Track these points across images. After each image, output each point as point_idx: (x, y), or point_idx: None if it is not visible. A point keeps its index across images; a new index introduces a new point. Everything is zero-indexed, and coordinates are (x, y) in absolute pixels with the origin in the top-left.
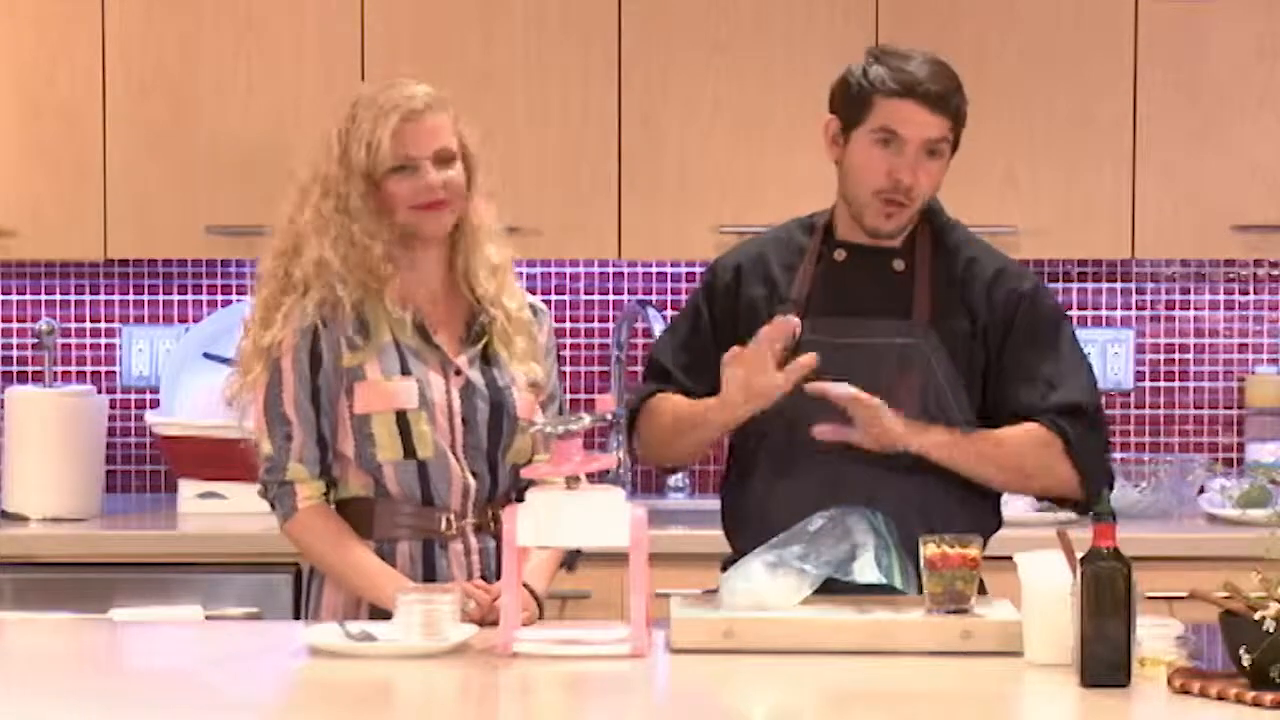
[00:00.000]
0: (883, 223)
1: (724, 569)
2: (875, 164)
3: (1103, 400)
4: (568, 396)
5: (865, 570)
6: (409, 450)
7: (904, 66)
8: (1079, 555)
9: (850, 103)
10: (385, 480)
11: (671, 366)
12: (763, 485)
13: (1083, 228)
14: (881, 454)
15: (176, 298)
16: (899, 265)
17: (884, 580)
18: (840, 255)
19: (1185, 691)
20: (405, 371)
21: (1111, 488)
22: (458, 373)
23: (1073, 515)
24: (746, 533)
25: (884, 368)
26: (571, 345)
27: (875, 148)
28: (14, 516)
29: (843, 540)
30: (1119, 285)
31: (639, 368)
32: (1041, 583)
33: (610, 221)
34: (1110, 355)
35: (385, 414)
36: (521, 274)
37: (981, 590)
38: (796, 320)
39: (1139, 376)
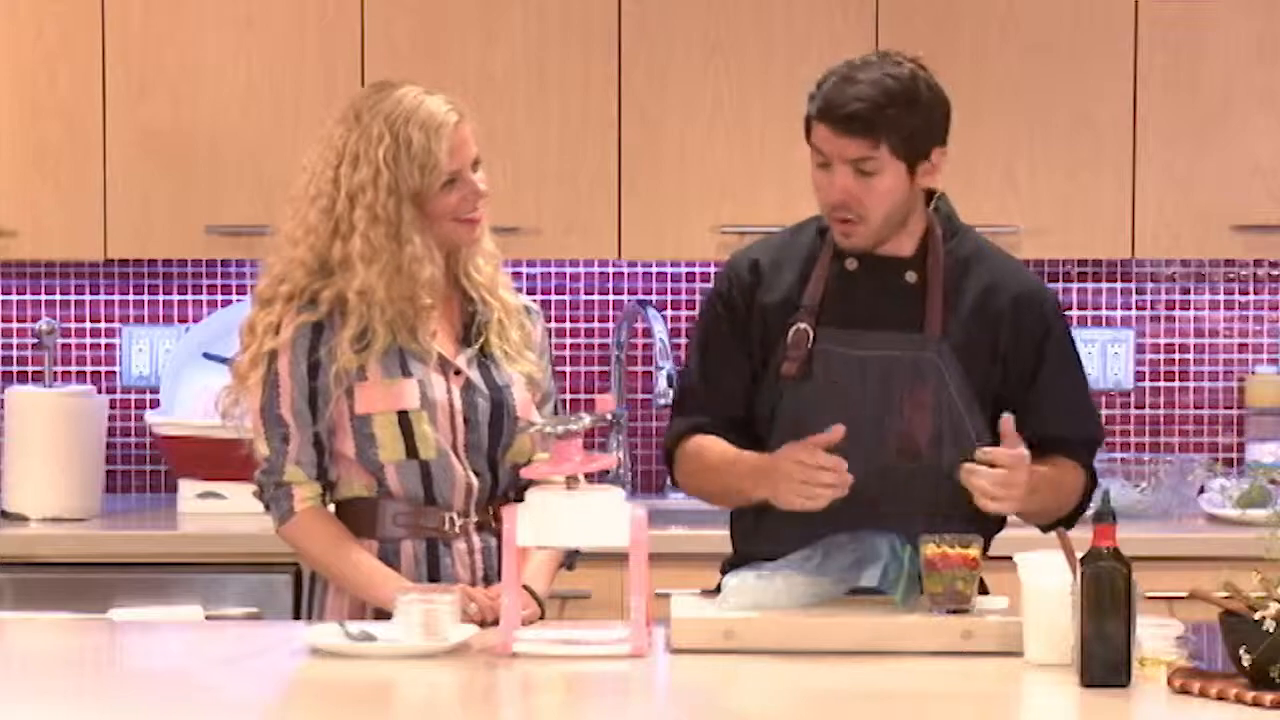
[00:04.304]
0: (842, 240)
1: (724, 571)
2: (818, 185)
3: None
4: (567, 396)
5: (870, 577)
6: (411, 451)
7: (829, 89)
8: (1079, 555)
9: (804, 124)
10: (387, 480)
11: (700, 395)
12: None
13: (1083, 228)
14: (888, 455)
15: (176, 298)
16: (911, 277)
17: (883, 590)
18: (852, 265)
19: (1185, 691)
20: (406, 373)
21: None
22: (457, 373)
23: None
24: (752, 533)
25: (896, 381)
26: (571, 345)
27: (816, 170)
28: (14, 516)
29: (857, 552)
30: (1119, 285)
31: (639, 368)
32: (1041, 583)
33: (610, 221)
34: (1110, 355)
35: (387, 414)
36: (521, 274)
37: (983, 590)
38: (841, 429)
39: (1139, 376)
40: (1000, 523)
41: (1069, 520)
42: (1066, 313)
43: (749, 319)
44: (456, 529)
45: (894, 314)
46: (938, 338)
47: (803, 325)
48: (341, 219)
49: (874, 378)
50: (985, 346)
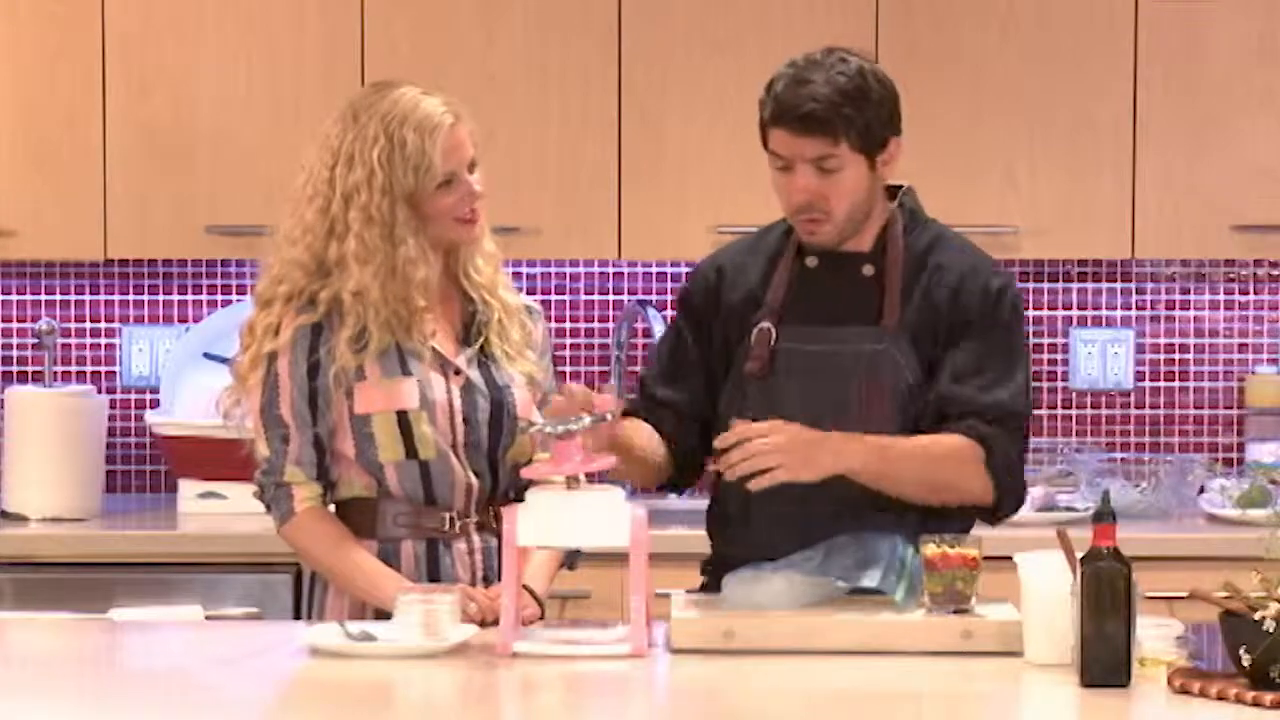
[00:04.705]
0: (808, 236)
1: (703, 571)
2: (779, 189)
3: (1031, 416)
4: None
5: (871, 578)
6: (410, 451)
7: (781, 92)
8: (1079, 555)
9: (759, 131)
10: (387, 480)
11: (651, 378)
12: (743, 483)
13: (1083, 228)
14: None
15: (176, 298)
16: (868, 270)
17: (884, 590)
18: (812, 262)
19: (1185, 691)
20: (406, 372)
21: (1020, 506)
22: (457, 372)
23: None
24: (728, 531)
25: (855, 375)
26: (571, 345)
27: (776, 174)
28: (14, 516)
29: (858, 553)
30: (1119, 285)
31: (639, 368)
32: (1041, 583)
33: (610, 221)
34: (1110, 355)
35: (386, 414)
36: (521, 274)
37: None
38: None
39: (1139, 376)
40: (966, 520)
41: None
42: (1023, 310)
43: (712, 321)
44: (456, 529)
45: (853, 309)
46: (893, 329)
47: (766, 324)
48: (337, 219)
49: (835, 374)
50: (932, 331)
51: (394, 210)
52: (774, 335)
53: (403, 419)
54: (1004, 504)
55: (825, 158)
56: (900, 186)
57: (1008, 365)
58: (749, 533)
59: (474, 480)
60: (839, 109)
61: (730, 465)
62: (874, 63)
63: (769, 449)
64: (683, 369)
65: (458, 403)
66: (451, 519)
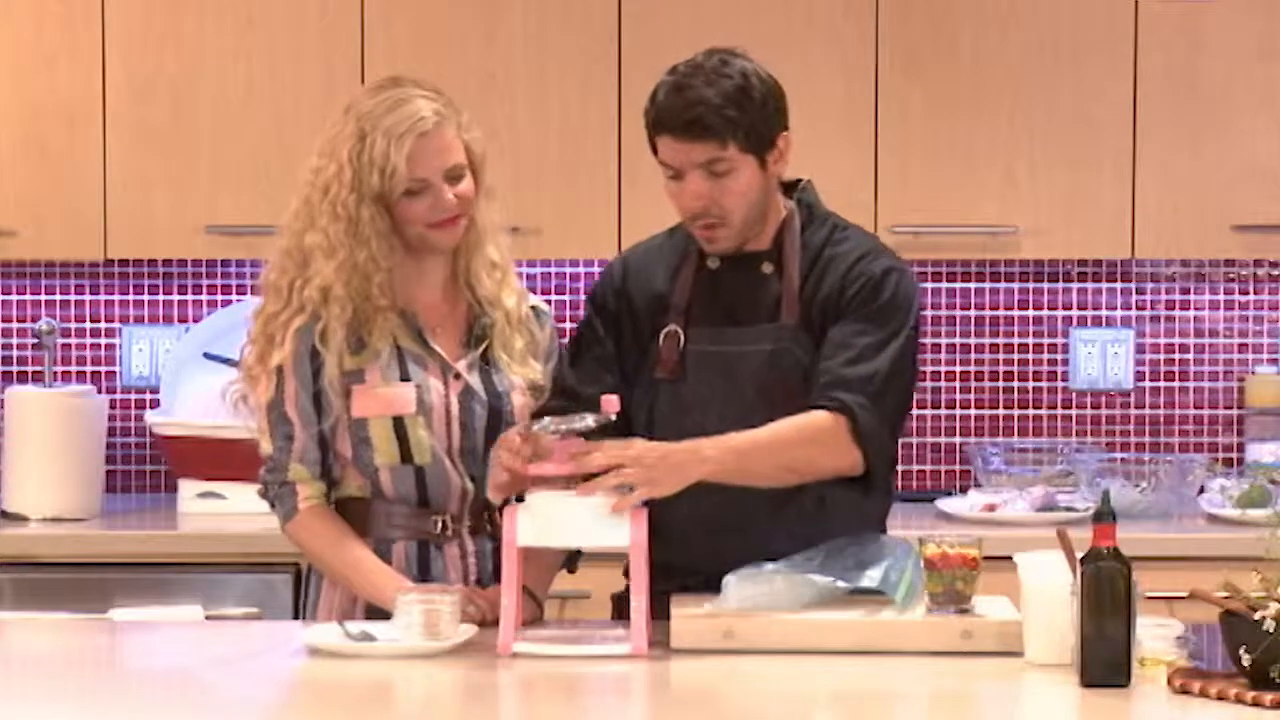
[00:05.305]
0: (708, 246)
1: (626, 573)
2: (673, 197)
3: (903, 398)
4: None
5: (871, 579)
6: (406, 455)
7: (664, 101)
8: (1079, 555)
9: (648, 141)
10: (382, 483)
11: (566, 374)
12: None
13: (1083, 228)
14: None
15: (176, 298)
16: (767, 269)
17: (884, 591)
18: (714, 264)
19: (1185, 691)
20: (405, 377)
21: (893, 468)
22: (457, 377)
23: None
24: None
25: (759, 374)
26: None
27: (668, 182)
28: (14, 516)
29: (858, 554)
30: (1119, 285)
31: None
32: (1041, 583)
33: (610, 222)
34: (1110, 355)
35: (383, 419)
36: (521, 274)
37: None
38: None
39: (1139, 376)
40: (888, 499)
41: (868, 475)
42: (911, 300)
43: (621, 320)
44: (449, 533)
45: (755, 308)
46: (792, 326)
47: (673, 327)
48: (315, 210)
49: (742, 373)
50: (824, 321)
51: (359, 209)
52: (682, 338)
53: (399, 423)
54: (876, 470)
55: (714, 161)
56: (798, 181)
57: (880, 342)
58: (668, 538)
59: (468, 485)
60: (721, 111)
61: (607, 493)
62: (755, 62)
63: (619, 462)
64: (598, 365)
65: (455, 408)
66: (444, 522)
